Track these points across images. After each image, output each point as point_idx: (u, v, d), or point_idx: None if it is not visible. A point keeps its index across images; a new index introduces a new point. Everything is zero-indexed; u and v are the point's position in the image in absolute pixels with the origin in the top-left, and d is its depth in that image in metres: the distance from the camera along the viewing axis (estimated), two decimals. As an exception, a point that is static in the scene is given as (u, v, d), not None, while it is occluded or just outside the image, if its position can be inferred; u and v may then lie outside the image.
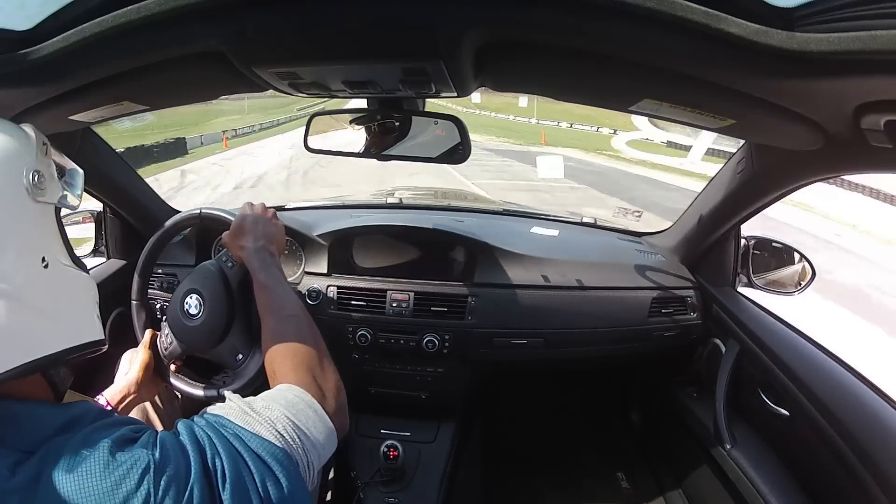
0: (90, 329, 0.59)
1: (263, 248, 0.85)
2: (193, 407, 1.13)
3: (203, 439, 0.50)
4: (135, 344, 1.06)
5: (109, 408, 0.86)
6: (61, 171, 0.62)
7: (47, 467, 0.44)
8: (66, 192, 0.61)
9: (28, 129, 0.59)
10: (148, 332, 1.00)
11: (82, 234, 1.43)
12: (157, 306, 1.11)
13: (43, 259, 0.54)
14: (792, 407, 1.03)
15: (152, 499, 0.44)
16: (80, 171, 0.66)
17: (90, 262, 1.33)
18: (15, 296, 0.49)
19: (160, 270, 1.33)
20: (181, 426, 0.53)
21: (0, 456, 0.45)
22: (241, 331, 0.93)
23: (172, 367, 1.00)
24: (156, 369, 0.98)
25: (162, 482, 0.45)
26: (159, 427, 0.99)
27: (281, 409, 0.56)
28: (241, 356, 0.92)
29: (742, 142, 1.05)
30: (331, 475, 1.36)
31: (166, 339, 0.97)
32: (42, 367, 0.51)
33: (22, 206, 0.53)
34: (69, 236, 0.63)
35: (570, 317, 1.30)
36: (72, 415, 0.51)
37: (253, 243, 0.86)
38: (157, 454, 0.47)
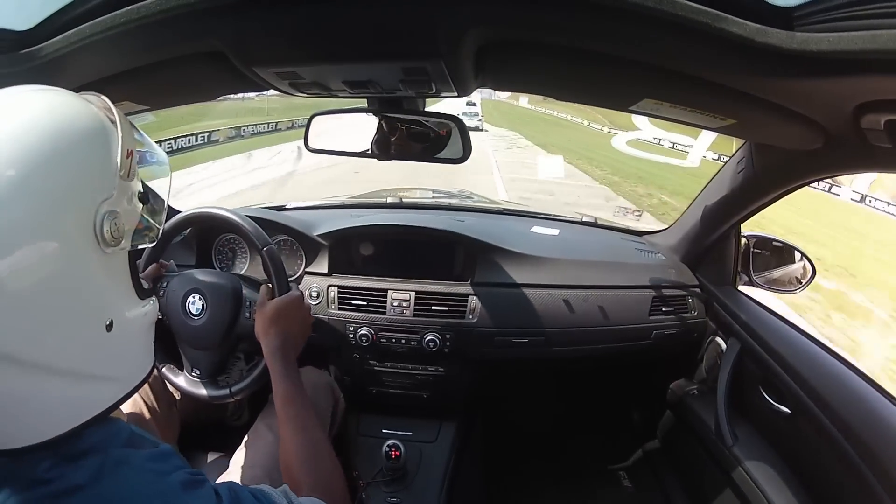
0: (145, 366, 0.55)
1: (288, 351, 0.86)
2: (191, 411, 1.14)
3: None
4: None
5: None
6: (145, 196, 0.49)
7: (104, 479, 0.42)
8: (145, 226, 0.49)
9: (116, 118, 0.46)
10: (153, 267, 1.01)
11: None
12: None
13: (108, 321, 0.45)
14: (793, 405, 1.03)
15: None
16: (167, 170, 0.55)
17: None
18: (70, 371, 0.43)
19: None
20: (242, 492, 0.52)
21: (38, 458, 0.42)
22: (212, 359, 0.99)
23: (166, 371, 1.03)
24: None
25: None
26: (156, 433, 1.00)
27: None
28: (197, 371, 1.00)
29: (743, 141, 1.05)
30: None
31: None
32: (97, 421, 0.47)
33: (86, 263, 0.42)
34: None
35: (570, 316, 1.30)
36: (108, 429, 0.48)
37: (282, 341, 0.86)
38: None
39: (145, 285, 0.54)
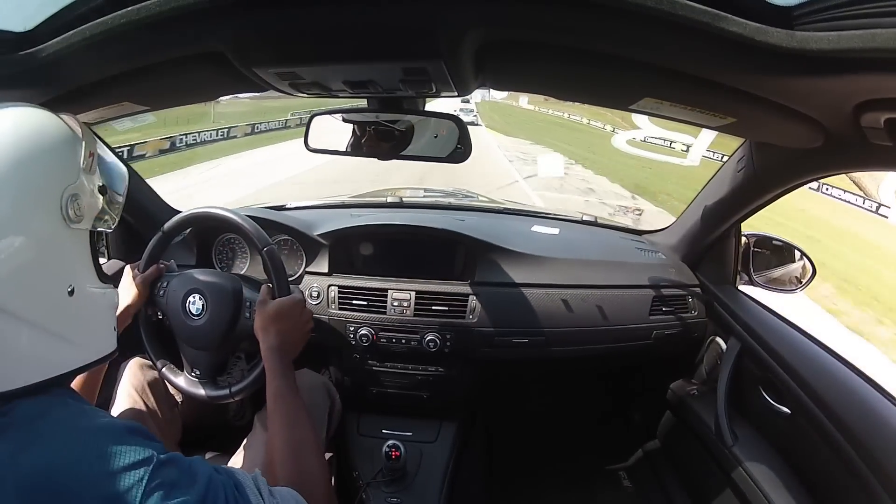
0: (106, 344, 0.61)
1: (285, 352, 0.86)
2: (193, 413, 1.14)
3: (217, 486, 0.52)
4: (136, 351, 1.07)
5: None
6: (104, 188, 0.59)
7: (54, 413, 0.47)
8: (103, 212, 0.58)
9: (77, 130, 0.56)
10: (153, 268, 1.03)
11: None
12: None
13: (70, 287, 0.53)
14: (793, 405, 1.03)
15: (143, 485, 0.46)
16: (125, 175, 0.64)
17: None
18: (35, 323, 0.49)
19: None
20: (199, 463, 0.53)
21: None
22: (211, 360, 1.00)
23: (166, 369, 1.04)
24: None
25: (157, 479, 0.47)
26: (157, 432, 1.00)
27: None
28: (197, 371, 1.01)
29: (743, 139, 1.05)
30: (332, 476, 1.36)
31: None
32: (55, 383, 0.52)
33: (54, 234, 0.51)
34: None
35: (571, 315, 1.30)
36: (74, 394, 0.54)
37: (280, 341, 0.87)
38: (161, 457, 0.48)
39: (107, 272, 0.63)
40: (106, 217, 0.59)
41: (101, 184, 0.58)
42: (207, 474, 0.51)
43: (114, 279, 0.64)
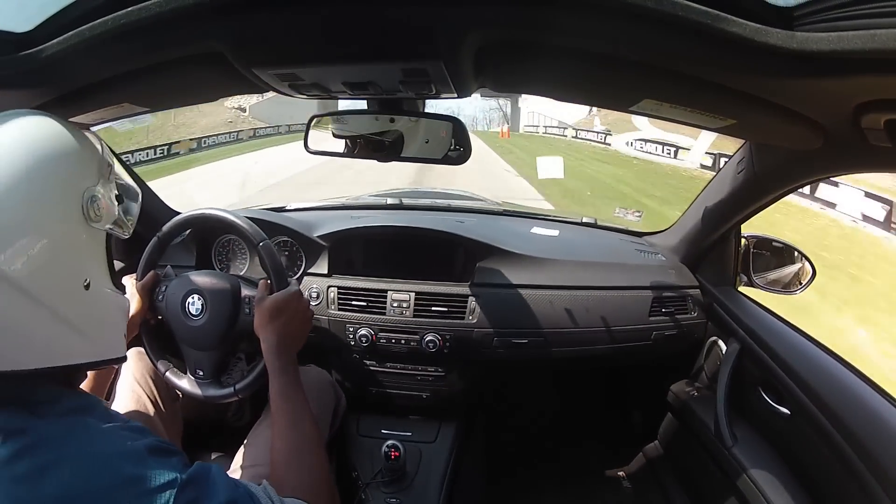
0: (116, 347, 0.64)
1: (286, 347, 0.86)
2: (193, 409, 1.14)
3: (236, 499, 0.53)
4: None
5: None
6: (120, 197, 0.65)
7: (75, 437, 0.48)
8: (119, 220, 0.64)
9: (97, 144, 0.62)
10: (151, 274, 1.03)
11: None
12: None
13: (86, 280, 0.57)
14: (793, 406, 1.03)
15: None
16: (139, 193, 0.69)
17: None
18: (53, 308, 0.52)
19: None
20: (218, 477, 0.54)
21: (10, 413, 0.49)
22: (214, 359, 1.00)
23: (165, 370, 1.04)
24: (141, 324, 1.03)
25: (182, 501, 0.48)
26: (160, 428, 1.00)
27: None
28: (200, 372, 1.00)
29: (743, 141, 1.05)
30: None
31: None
32: (65, 372, 0.55)
33: (75, 227, 0.56)
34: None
35: (570, 317, 1.29)
36: (86, 401, 0.56)
37: (280, 337, 0.86)
38: (184, 476, 0.50)
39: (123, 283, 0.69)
40: (120, 222, 0.64)
41: (118, 193, 0.64)
42: (228, 490, 0.53)
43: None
